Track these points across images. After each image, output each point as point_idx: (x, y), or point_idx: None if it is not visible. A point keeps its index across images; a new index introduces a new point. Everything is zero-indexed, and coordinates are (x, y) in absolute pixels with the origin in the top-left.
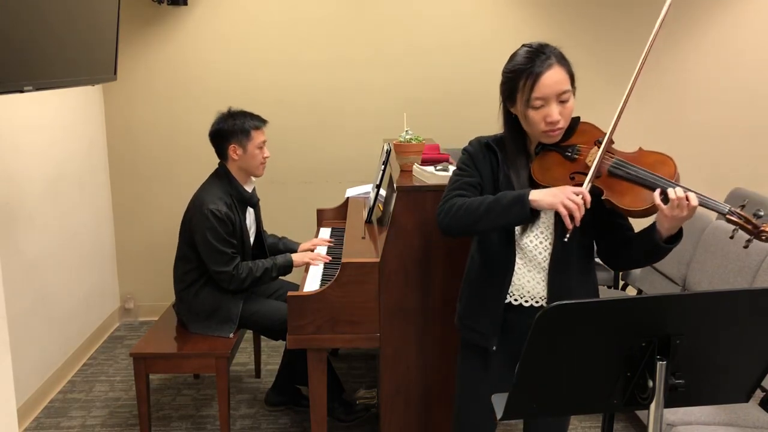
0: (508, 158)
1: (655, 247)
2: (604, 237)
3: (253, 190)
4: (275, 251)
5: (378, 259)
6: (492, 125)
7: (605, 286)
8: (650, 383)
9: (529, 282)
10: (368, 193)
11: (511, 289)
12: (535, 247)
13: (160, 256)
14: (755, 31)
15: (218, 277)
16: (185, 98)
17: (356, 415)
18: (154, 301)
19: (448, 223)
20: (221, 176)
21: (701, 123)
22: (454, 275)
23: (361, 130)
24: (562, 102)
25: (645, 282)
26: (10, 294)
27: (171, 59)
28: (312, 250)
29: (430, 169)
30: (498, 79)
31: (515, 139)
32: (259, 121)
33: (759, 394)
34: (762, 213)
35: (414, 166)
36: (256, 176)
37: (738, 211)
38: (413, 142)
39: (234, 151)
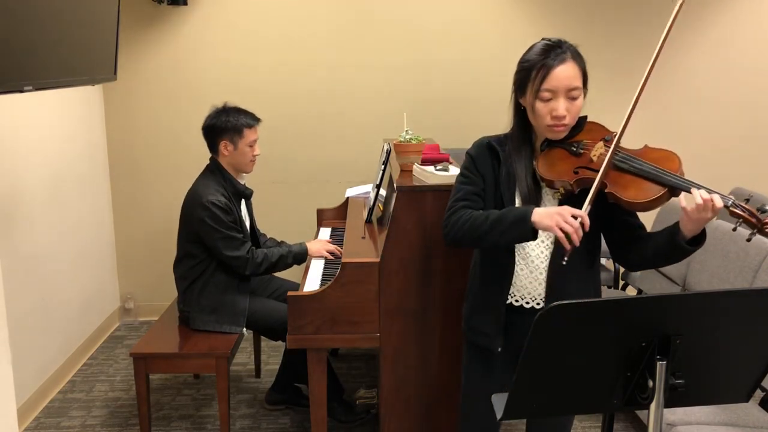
0: (511, 153)
1: (676, 248)
2: (614, 237)
3: (245, 183)
4: None
5: (378, 259)
6: (491, 125)
7: (605, 286)
8: (650, 383)
9: (531, 283)
10: (368, 193)
11: (512, 290)
12: (532, 250)
13: (160, 256)
14: (755, 31)
15: (234, 263)
16: (185, 98)
17: (357, 417)
18: (154, 301)
19: (453, 236)
20: (214, 171)
21: (701, 123)
22: (454, 275)
23: (361, 130)
24: (571, 98)
25: (645, 282)
26: (10, 294)
27: (171, 59)
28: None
29: (430, 169)
30: (498, 79)
31: (522, 132)
32: (252, 119)
33: (759, 394)
34: (767, 208)
35: (414, 166)
36: (245, 173)
37: (742, 204)
38: (413, 142)
39: (225, 147)
